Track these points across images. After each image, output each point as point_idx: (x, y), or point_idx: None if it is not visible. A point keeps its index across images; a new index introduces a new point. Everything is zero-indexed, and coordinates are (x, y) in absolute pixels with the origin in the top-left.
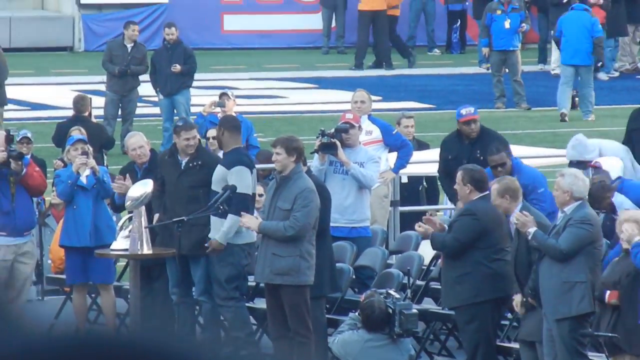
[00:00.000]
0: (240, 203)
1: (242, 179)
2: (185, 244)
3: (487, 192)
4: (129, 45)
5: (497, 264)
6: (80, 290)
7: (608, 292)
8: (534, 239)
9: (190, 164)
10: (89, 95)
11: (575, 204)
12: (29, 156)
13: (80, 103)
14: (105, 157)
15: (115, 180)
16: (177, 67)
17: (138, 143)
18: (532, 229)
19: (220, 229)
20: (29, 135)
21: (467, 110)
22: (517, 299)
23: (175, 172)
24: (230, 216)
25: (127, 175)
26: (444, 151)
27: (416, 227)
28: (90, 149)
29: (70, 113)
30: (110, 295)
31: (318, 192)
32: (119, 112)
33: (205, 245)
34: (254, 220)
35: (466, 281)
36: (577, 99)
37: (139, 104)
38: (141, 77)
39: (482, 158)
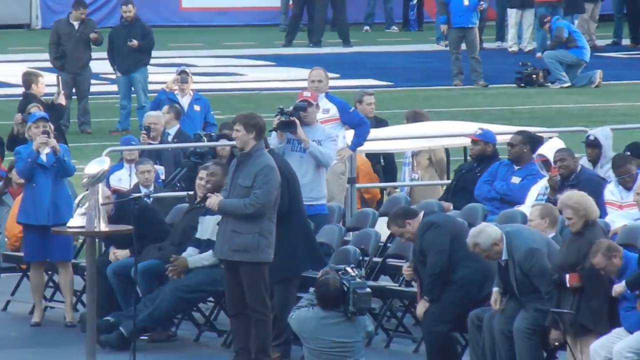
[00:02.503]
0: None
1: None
2: None
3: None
4: (76, 23)
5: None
6: (37, 267)
7: (568, 275)
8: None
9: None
10: (42, 72)
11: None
12: None
13: (28, 79)
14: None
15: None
16: (134, 42)
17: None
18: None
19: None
20: None
21: (475, 130)
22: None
23: None
24: (210, 254)
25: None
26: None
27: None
28: (52, 127)
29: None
30: (68, 272)
31: (285, 173)
32: (74, 91)
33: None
34: (214, 198)
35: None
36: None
37: (95, 82)
38: (97, 55)
39: (479, 175)
